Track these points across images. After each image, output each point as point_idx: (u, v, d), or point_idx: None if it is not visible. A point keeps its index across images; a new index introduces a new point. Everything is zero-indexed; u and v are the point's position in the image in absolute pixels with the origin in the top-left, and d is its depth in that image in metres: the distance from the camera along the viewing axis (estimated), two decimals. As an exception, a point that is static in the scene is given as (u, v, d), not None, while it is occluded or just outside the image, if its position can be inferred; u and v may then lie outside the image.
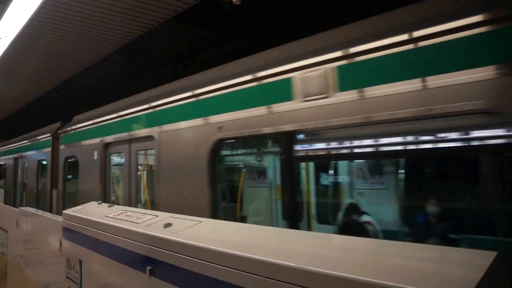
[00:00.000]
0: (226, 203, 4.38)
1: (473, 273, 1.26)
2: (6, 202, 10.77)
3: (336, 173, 5.48)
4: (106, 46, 7.00)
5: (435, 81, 2.52)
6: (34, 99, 11.63)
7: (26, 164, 10.68)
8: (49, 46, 6.84)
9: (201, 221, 2.44)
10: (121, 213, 3.05)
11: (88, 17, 5.65)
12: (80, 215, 3.34)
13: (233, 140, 4.03)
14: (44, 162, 9.28)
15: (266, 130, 3.54)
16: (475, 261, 1.42)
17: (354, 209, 4.60)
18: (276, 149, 3.79)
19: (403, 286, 1.21)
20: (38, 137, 9.71)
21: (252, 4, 5.22)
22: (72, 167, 7.84)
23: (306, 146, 3.44)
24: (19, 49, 6.93)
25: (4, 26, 5.85)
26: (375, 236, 4.03)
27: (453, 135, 2.64)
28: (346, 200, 5.43)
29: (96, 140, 6.61)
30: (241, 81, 3.88)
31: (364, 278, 1.29)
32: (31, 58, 7.56)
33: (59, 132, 8.49)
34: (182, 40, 7.34)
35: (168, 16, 5.61)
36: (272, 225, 4.44)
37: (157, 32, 6.34)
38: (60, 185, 8.21)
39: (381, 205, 5.13)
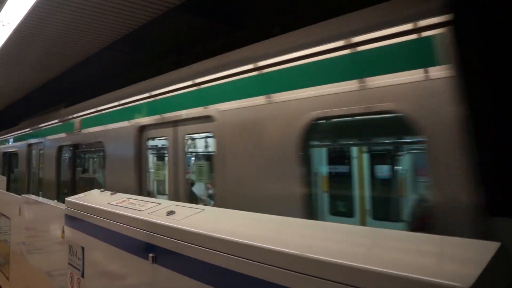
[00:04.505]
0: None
1: (475, 265, 1.25)
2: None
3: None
4: (109, 35, 6.96)
5: None
6: (37, 87, 11.64)
7: None
8: (52, 33, 6.81)
9: (204, 209, 2.45)
10: (124, 200, 3.06)
11: (91, 5, 5.62)
12: (83, 203, 3.35)
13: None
14: None
15: None
16: (477, 252, 1.41)
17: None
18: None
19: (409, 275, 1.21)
20: None
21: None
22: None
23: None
24: (22, 36, 6.90)
25: (7, 13, 5.82)
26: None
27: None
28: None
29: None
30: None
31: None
32: (34, 46, 7.53)
33: None
34: (186, 30, 7.31)
35: (172, 4, 5.58)
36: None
37: (161, 21, 6.31)
38: None
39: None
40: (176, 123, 4.66)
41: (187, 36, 7.60)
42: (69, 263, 3.46)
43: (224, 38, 7.05)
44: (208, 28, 7.00)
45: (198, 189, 5.12)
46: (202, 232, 1.98)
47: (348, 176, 5.53)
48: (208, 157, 5.00)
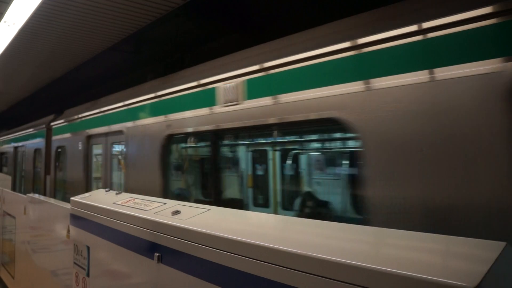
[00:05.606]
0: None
1: (480, 264, 1.25)
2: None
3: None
4: (112, 35, 7.00)
5: None
6: (40, 87, 11.68)
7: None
8: (56, 34, 6.85)
9: (209, 209, 2.46)
10: (129, 200, 3.08)
11: (95, 6, 5.64)
12: (89, 202, 3.37)
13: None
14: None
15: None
16: (482, 251, 1.42)
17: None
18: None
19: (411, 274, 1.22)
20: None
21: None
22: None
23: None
24: (27, 36, 6.95)
25: (13, 14, 5.86)
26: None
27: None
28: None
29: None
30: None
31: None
32: (39, 46, 7.58)
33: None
34: (188, 30, 7.33)
35: (176, 4, 5.59)
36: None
37: (164, 22, 6.33)
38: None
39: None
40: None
41: (190, 36, 7.62)
42: (74, 262, 3.48)
43: (225, 39, 7.06)
44: (211, 29, 7.02)
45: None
46: (208, 231, 1.99)
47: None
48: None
